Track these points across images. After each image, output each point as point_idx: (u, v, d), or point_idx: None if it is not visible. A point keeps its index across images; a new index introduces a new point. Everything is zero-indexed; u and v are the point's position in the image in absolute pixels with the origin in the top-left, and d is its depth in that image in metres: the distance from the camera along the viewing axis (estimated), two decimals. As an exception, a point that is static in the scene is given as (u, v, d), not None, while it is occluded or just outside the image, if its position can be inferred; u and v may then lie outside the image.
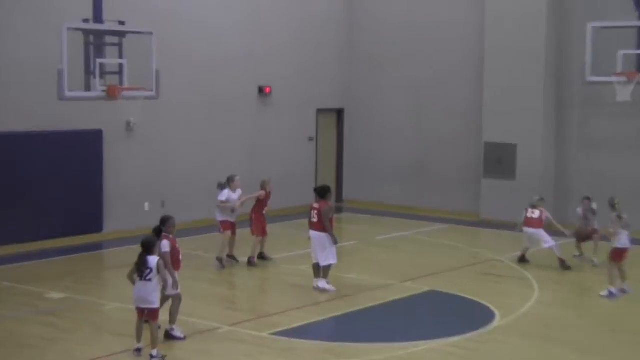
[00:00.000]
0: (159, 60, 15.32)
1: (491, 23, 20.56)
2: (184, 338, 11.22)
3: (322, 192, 14.09)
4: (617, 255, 13.77)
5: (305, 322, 12.21)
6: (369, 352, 10.87)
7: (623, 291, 13.82)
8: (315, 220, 13.83)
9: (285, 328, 11.82)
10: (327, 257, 13.80)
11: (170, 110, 18.86)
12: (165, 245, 11.03)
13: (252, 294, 14.43)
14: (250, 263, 15.61)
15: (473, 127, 21.29)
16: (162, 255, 10.81)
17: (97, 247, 16.94)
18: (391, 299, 13.66)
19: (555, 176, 20.53)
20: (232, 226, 15.71)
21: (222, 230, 15.62)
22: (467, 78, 21.37)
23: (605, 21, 18.21)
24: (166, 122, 18.96)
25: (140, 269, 10.53)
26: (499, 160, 20.63)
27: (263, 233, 15.85)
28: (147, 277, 10.50)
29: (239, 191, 15.87)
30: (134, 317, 10.79)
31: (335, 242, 13.76)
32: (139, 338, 10.64)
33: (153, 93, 15.26)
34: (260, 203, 15.88)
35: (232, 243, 15.82)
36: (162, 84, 15.71)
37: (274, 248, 16.63)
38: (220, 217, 15.71)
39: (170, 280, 10.86)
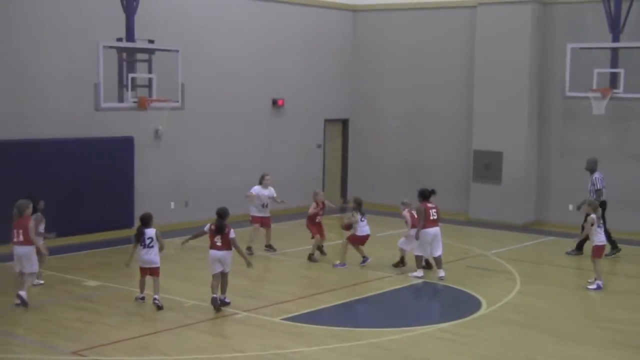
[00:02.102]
0: (184, 75, 15.44)
1: (480, 42, 20.65)
2: (229, 302, 12.11)
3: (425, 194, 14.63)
4: (600, 251, 13.88)
5: (313, 309, 12.35)
6: (369, 336, 10.95)
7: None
8: (435, 217, 14.36)
9: (295, 314, 11.97)
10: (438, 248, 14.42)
11: (194, 120, 19.02)
12: (232, 232, 11.96)
13: (267, 284, 14.51)
14: (310, 259, 15.58)
15: (464, 136, 21.39)
16: (232, 240, 11.86)
17: (128, 241, 16.93)
18: (389, 288, 13.78)
19: (537, 181, 20.66)
20: (260, 220, 15.95)
21: (251, 222, 16.05)
22: (459, 92, 21.44)
23: (582, 42, 18.34)
24: (190, 130, 19.12)
25: (142, 239, 11.93)
26: (487, 166, 20.71)
27: (322, 236, 15.81)
28: (150, 245, 11.91)
29: (270, 189, 16.03)
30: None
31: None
32: (142, 290, 12.25)
33: (178, 104, 15.38)
34: (314, 213, 15.77)
35: (266, 235, 16.10)
36: (187, 96, 15.81)
37: (285, 243, 16.80)
38: (253, 212, 16.02)
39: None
